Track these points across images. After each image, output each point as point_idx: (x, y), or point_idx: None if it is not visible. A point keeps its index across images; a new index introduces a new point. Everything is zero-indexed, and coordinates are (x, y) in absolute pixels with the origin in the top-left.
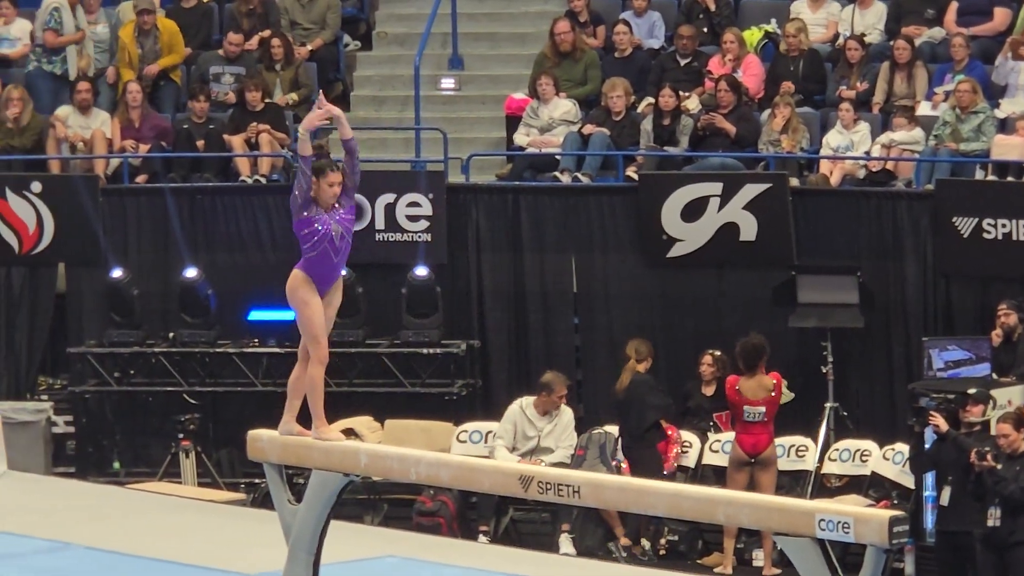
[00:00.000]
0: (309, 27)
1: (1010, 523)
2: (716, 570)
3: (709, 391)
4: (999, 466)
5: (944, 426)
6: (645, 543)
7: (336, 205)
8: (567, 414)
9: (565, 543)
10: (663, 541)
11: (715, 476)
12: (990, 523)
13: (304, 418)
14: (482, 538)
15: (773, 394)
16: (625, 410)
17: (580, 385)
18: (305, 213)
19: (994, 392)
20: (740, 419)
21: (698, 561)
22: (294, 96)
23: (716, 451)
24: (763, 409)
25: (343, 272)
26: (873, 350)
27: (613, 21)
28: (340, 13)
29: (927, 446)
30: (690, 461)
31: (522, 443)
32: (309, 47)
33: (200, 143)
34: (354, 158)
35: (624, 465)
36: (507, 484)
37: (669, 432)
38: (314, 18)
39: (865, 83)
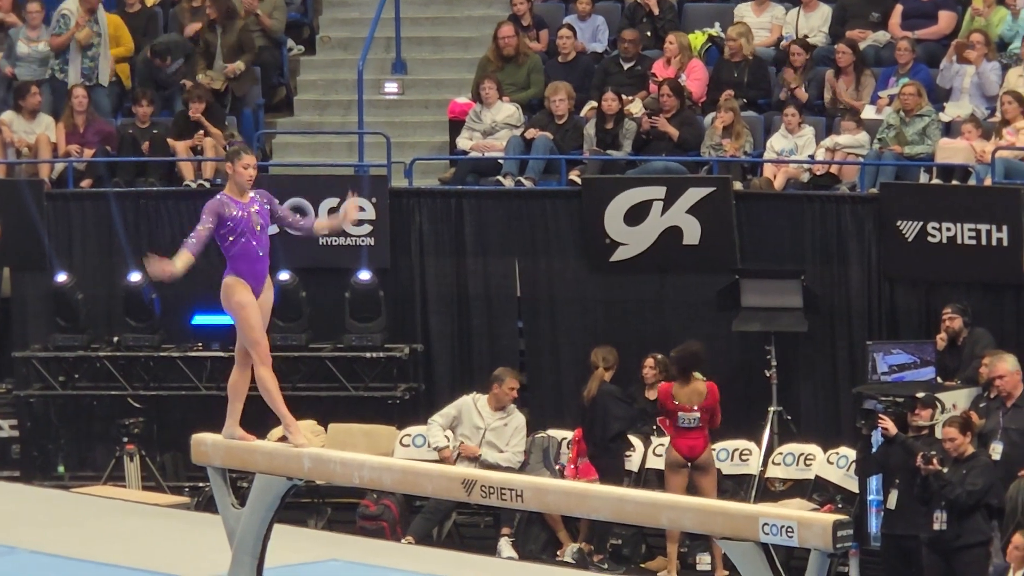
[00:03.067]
0: (254, 30)
1: (956, 527)
2: (660, 575)
3: (652, 395)
4: (945, 470)
5: (893, 429)
6: (589, 547)
7: (253, 196)
8: (519, 419)
9: (506, 547)
10: (607, 545)
11: (658, 480)
12: (936, 527)
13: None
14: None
15: (707, 401)
16: (590, 418)
17: (524, 389)
18: (218, 214)
19: (939, 396)
20: (675, 425)
21: (642, 565)
22: (240, 65)
23: (660, 455)
24: (697, 415)
25: (287, 276)
26: (817, 354)
27: (556, 25)
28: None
29: (874, 449)
30: (633, 465)
31: (467, 433)
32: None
33: (145, 147)
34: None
35: (569, 469)
36: (450, 488)
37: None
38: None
39: (808, 87)
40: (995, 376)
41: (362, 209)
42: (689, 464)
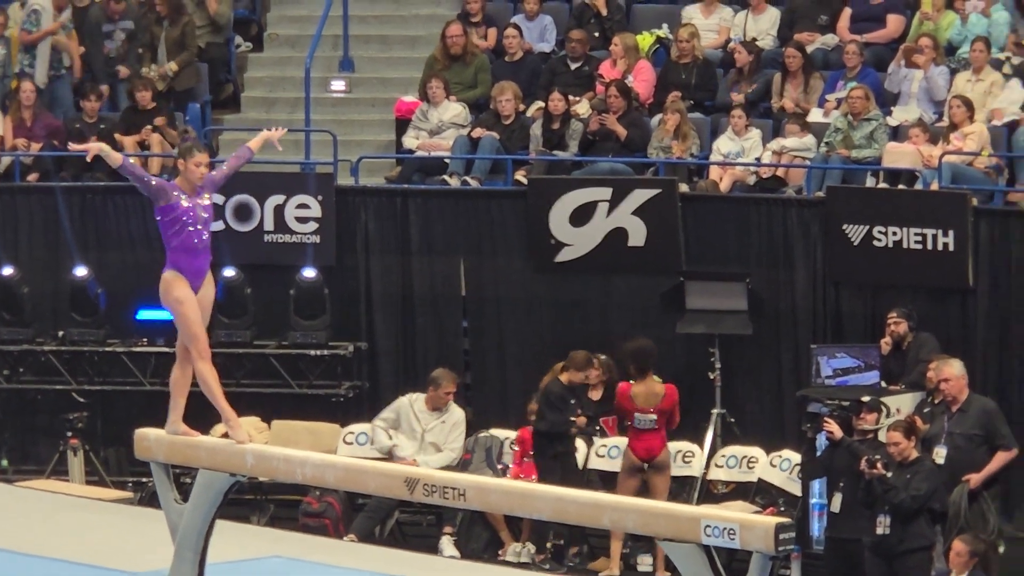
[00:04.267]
0: (203, 25)
1: (900, 531)
2: (602, 574)
3: (596, 395)
4: (889, 474)
5: (839, 433)
6: (531, 546)
7: (200, 190)
8: (458, 414)
9: (448, 546)
10: (548, 544)
11: (601, 480)
12: (879, 531)
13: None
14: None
15: (664, 404)
16: (540, 414)
17: (468, 388)
18: (163, 202)
19: (884, 400)
20: (631, 426)
21: (588, 567)
22: (172, 66)
23: (602, 456)
24: (654, 417)
25: (232, 273)
26: (761, 357)
27: (504, 24)
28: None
29: (818, 453)
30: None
31: (407, 435)
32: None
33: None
34: (239, 165)
35: (512, 469)
36: (393, 486)
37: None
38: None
39: (754, 87)
40: (941, 380)
41: (307, 207)
42: (646, 466)
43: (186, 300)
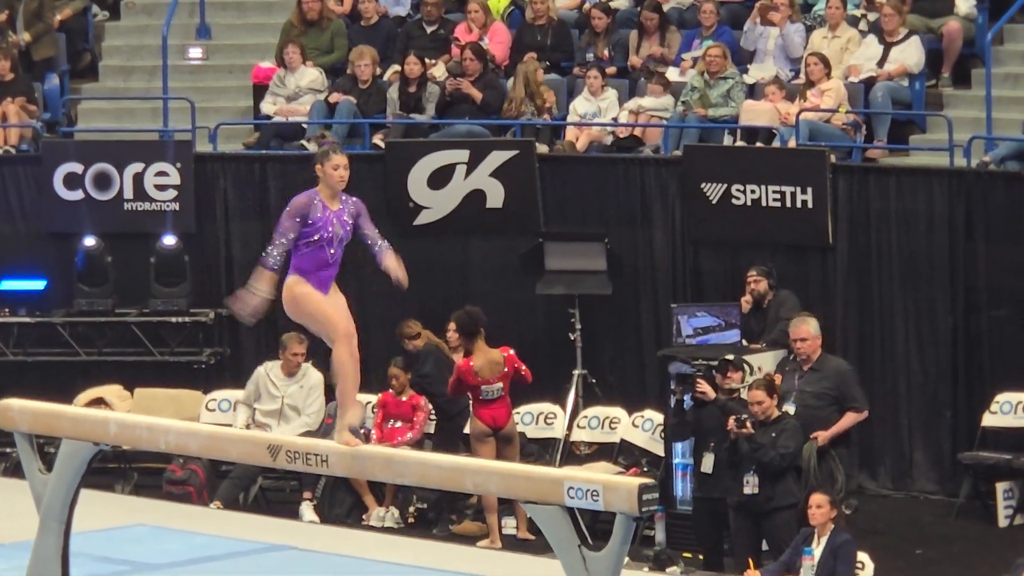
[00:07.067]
0: None
1: (768, 490)
2: (480, 544)
3: (456, 358)
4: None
5: (712, 393)
6: (394, 511)
7: (343, 203)
8: (315, 378)
9: (307, 511)
10: (412, 509)
11: (463, 444)
12: (747, 491)
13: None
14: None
15: (506, 369)
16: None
17: (329, 353)
18: (303, 215)
19: (746, 359)
20: (476, 398)
21: (451, 529)
22: (26, 36)
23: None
24: (500, 385)
25: (92, 241)
26: (622, 317)
27: None
28: None
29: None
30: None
31: (267, 404)
32: (59, 17)
33: None
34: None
35: (374, 433)
36: (255, 453)
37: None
38: None
39: (611, 50)
40: (796, 339)
41: (166, 175)
42: (495, 434)
43: (310, 293)
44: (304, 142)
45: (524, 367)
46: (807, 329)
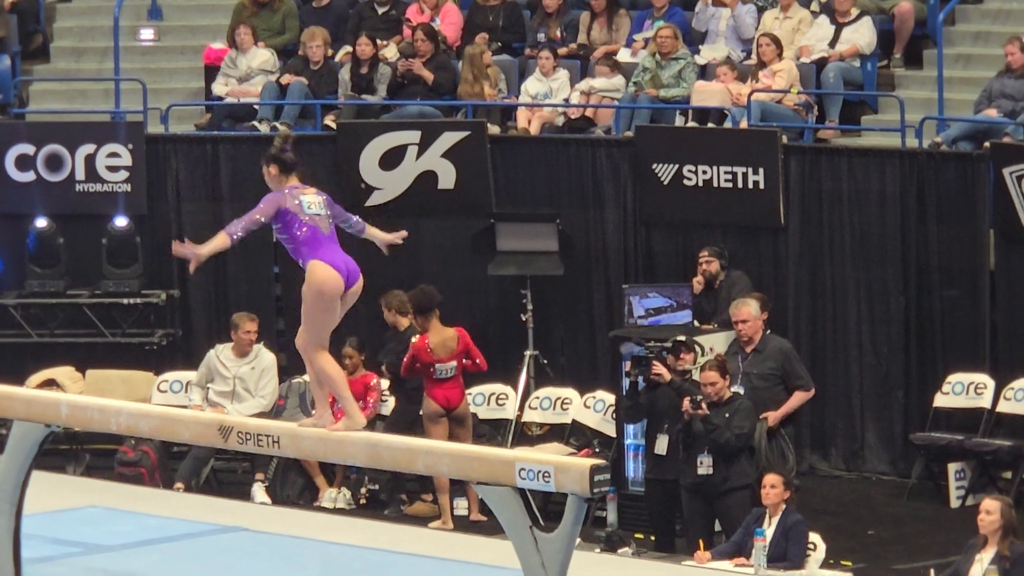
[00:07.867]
0: None
1: (723, 470)
2: (431, 525)
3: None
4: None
5: (667, 375)
6: (346, 492)
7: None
8: (268, 359)
9: (259, 492)
10: (363, 490)
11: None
12: (701, 471)
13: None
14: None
15: (458, 348)
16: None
17: (281, 334)
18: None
19: (698, 340)
20: (430, 377)
21: (403, 510)
22: None
23: None
24: (453, 364)
25: (44, 223)
26: (573, 298)
27: None
28: None
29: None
30: (388, 409)
31: (220, 385)
32: None
33: None
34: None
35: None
36: (207, 434)
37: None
38: None
39: (562, 31)
40: (737, 320)
41: (118, 156)
42: (447, 415)
43: (332, 309)
44: (256, 123)
45: (480, 357)
46: (747, 311)
